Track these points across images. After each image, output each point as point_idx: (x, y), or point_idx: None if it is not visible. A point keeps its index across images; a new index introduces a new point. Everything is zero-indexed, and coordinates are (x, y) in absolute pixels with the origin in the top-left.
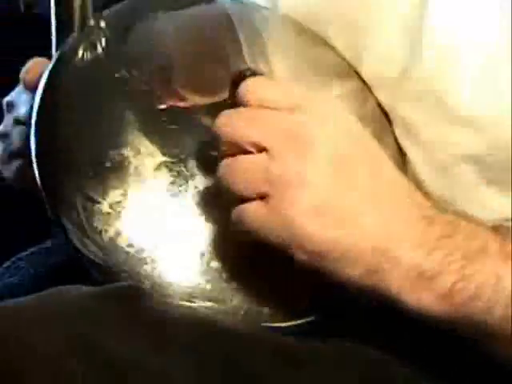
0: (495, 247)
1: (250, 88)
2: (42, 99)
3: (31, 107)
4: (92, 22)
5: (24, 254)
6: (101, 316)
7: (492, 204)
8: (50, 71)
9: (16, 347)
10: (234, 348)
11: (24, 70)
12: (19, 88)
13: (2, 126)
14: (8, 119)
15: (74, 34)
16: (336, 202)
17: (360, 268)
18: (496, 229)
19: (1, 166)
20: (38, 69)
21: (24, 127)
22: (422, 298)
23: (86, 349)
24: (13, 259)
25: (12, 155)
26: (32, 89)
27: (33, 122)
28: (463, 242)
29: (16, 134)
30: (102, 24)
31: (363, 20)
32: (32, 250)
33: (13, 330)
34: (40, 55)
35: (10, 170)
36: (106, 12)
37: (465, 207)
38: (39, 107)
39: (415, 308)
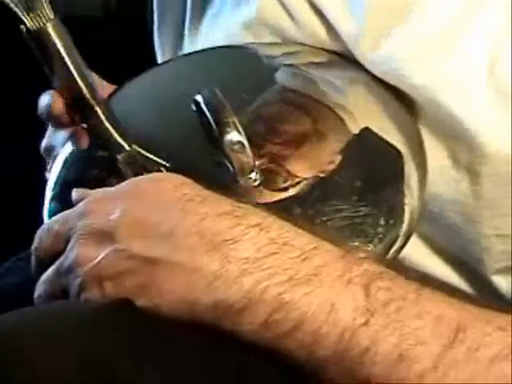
0: (337, 270)
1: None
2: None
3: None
4: None
5: (24, 254)
6: (108, 335)
7: None
8: None
9: (14, 364)
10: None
11: (43, 108)
12: (50, 131)
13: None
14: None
15: None
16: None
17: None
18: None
19: None
20: (54, 103)
21: None
22: (241, 330)
23: (88, 371)
24: (13, 259)
25: None
26: (63, 126)
27: None
28: (291, 263)
29: None
30: None
31: None
32: None
33: (13, 344)
34: None
35: None
36: None
37: None
38: None
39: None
